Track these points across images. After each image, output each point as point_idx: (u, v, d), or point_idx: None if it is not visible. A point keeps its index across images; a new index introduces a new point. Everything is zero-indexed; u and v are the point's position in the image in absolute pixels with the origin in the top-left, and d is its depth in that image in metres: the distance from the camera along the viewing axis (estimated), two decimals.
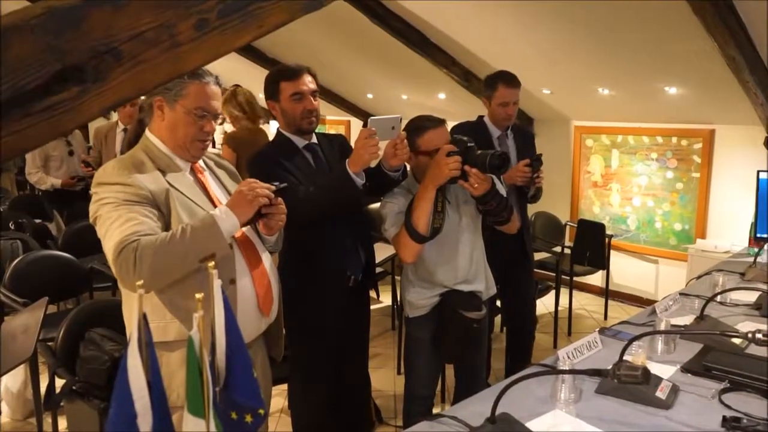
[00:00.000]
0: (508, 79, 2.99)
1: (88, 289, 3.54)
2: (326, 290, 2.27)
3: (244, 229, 1.76)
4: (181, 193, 1.64)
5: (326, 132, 7.01)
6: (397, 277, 4.39)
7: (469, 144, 2.11)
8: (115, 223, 1.50)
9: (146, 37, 0.88)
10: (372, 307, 2.61)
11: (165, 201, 1.59)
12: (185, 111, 1.66)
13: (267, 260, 1.81)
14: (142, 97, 1.72)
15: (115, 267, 1.48)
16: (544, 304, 4.76)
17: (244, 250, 1.74)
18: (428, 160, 2.16)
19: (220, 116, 1.76)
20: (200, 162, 1.79)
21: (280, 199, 1.70)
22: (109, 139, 4.67)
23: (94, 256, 3.60)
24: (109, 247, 1.49)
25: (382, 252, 3.86)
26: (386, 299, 4.92)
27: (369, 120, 2.04)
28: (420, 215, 2.11)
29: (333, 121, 7.69)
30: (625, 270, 5.10)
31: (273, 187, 1.64)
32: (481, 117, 3.15)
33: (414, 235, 2.12)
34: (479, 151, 2.10)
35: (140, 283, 1.43)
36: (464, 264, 2.29)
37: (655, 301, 2.34)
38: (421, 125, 2.22)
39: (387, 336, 4.37)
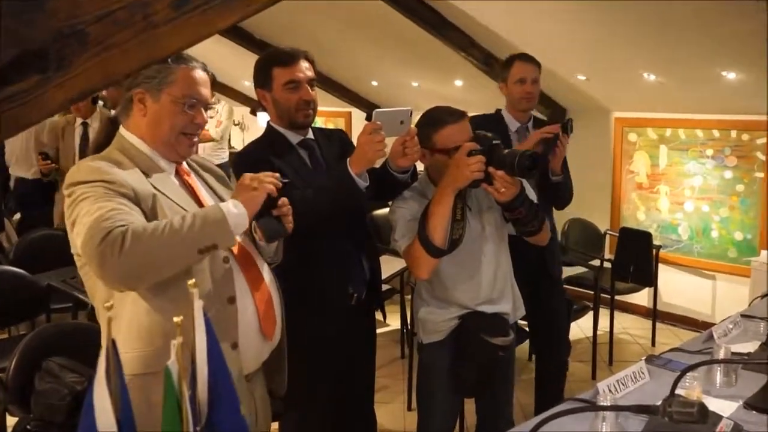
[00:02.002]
0: (524, 56, 3.13)
1: (44, 310, 3.55)
2: (325, 311, 2.28)
3: (239, 239, 1.78)
4: (168, 197, 1.65)
5: (323, 126, 7.05)
6: (407, 296, 4.39)
7: (494, 141, 2.12)
8: (96, 213, 1.49)
9: (116, 17, 0.89)
10: (377, 331, 2.61)
11: (151, 206, 1.61)
12: (172, 100, 1.67)
13: (267, 274, 1.83)
14: (104, 92, 1.74)
15: (95, 253, 1.45)
16: (580, 328, 4.74)
17: (242, 264, 1.75)
18: (446, 160, 2.16)
19: (211, 107, 1.77)
20: (184, 164, 1.81)
21: (285, 199, 1.71)
22: (67, 135, 4.71)
23: (51, 271, 3.61)
24: (90, 235, 1.47)
25: (389, 266, 3.85)
26: (394, 322, 4.91)
27: (374, 113, 2.05)
28: (436, 224, 2.11)
29: (331, 112, 7.71)
30: (676, 287, 5.08)
31: (277, 176, 1.67)
32: (499, 110, 3.19)
33: (429, 247, 2.12)
34: (506, 150, 2.10)
35: (119, 271, 1.43)
36: (488, 281, 2.29)
37: (713, 324, 2.34)
38: (438, 118, 2.23)
39: (395, 365, 4.36)
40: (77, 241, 1.53)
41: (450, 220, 2.13)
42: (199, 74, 1.71)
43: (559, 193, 3.09)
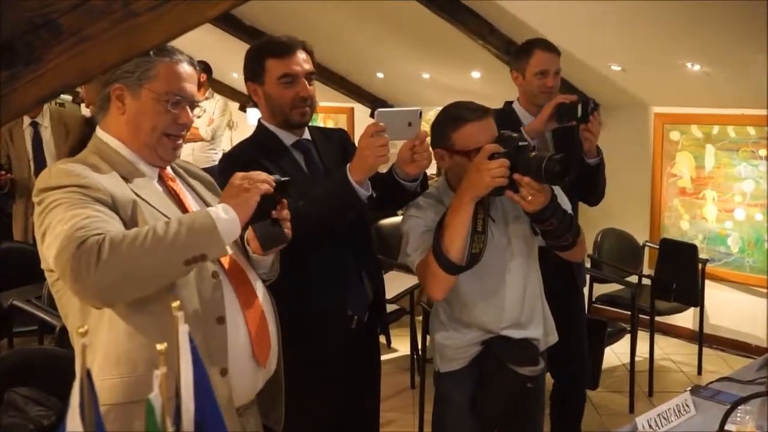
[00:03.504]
0: (544, 42, 3.14)
1: (6, 333, 3.57)
2: (322, 335, 2.29)
3: (230, 252, 1.79)
4: (150, 204, 1.67)
5: (322, 126, 7.06)
6: (418, 318, 4.39)
7: (520, 143, 2.12)
8: (69, 222, 1.51)
9: (93, 6, 0.91)
10: (383, 357, 2.62)
11: (131, 214, 1.62)
12: (154, 97, 1.69)
13: (261, 292, 1.84)
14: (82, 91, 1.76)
15: (69, 265, 1.46)
16: (615, 354, 4.74)
17: (232, 279, 1.76)
18: (467, 163, 2.16)
19: (198, 106, 1.79)
20: (169, 168, 1.83)
21: (284, 201, 1.72)
22: (17, 139, 4.70)
23: (14, 289, 3.62)
24: (62, 245, 1.48)
25: (397, 283, 3.86)
26: (403, 347, 4.90)
27: (376, 112, 2.05)
28: (453, 236, 2.10)
29: (330, 108, 7.74)
30: (725, 307, 5.07)
31: (272, 177, 1.67)
32: (509, 103, 3.20)
33: (444, 263, 2.11)
34: (533, 153, 2.10)
35: (97, 284, 1.43)
36: (515, 301, 2.29)
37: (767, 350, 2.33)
38: (458, 116, 2.23)
39: (404, 396, 4.36)
40: (48, 253, 1.54)
41: (469, 232, 2.12)
42: (184, 68, 1.73)
43: (594, 183, 3.06)
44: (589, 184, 3.05)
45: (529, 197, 2.08)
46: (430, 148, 2.25)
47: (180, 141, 1.77)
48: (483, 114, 2.23)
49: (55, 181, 1.60)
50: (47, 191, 1.59)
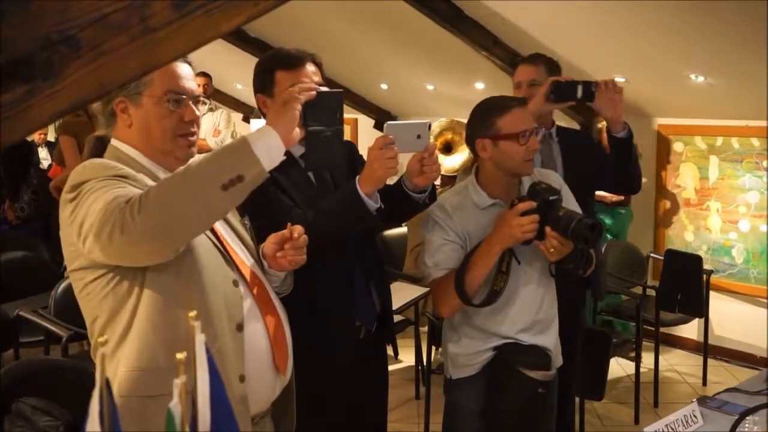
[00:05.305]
0: (526, 57, 3.20)
1: (12, 344, 3.57)
2: (329, 346, 2.29)
3: (249, 264, 1.82)
4: None
5: None
6: (423, 328, 4.39)
7: (551, 198, 2.19)
8: (111, 197, 1.49)
9: (111, 20, 0.92)
10: (389, 368, 2.62)
11: None
12: (155, 101, 1.70)
13: (278, 302, 1.87)
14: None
15: (118, 220, 1.45)
16: (620, 365, 4.73)
17: (253, 288, 1.79)
18: (512, 146, 2.23)
19: (202, 100, 1.80)
20: None
21: (300, 227, 1.76)
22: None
23: (20, 300, 3.63)
24: (107, 216, 1.46)
25: (402, 294, 3.84)
26: (407, 358, 4.90)
27: (386, 125, 2.07)
28: (477, 277, 2.20)
29: None
30: (729, 318, 5.06)
31: (314, 87, 1.66)
32: None
33: (463, 296, 2.21)
34: (562, 212, 2.16)
35: (143, 226, 1.43)
36: (529, 307, 2.33)
37: None
38: (502, 104, 2.31)
39: (409, 407, 4.36)
40: (88, 240, 1.51)
41: (493, 273, 2.22)
42: (179, 67, 1.74)
43: (628, 161, 2.93)
44: (623, 164, 2.93)
45: (552, 249, 2.17)
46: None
47: (193, 138, 1.77)
48: (524, 102, 2.36)
49: (90, 174, 1.59)
50: (83, 184, 1.58)
